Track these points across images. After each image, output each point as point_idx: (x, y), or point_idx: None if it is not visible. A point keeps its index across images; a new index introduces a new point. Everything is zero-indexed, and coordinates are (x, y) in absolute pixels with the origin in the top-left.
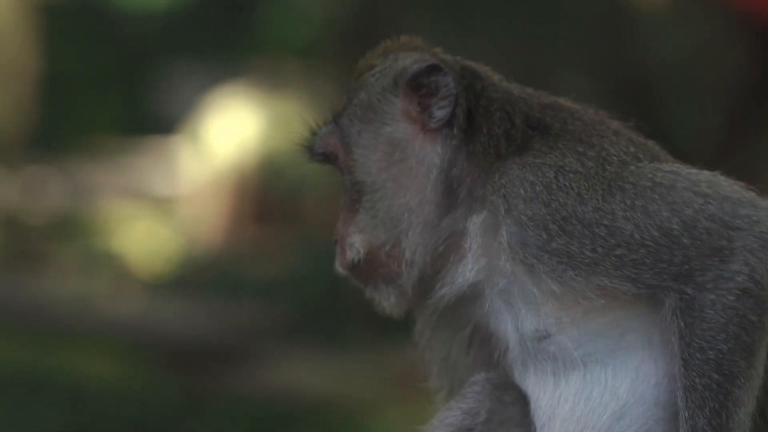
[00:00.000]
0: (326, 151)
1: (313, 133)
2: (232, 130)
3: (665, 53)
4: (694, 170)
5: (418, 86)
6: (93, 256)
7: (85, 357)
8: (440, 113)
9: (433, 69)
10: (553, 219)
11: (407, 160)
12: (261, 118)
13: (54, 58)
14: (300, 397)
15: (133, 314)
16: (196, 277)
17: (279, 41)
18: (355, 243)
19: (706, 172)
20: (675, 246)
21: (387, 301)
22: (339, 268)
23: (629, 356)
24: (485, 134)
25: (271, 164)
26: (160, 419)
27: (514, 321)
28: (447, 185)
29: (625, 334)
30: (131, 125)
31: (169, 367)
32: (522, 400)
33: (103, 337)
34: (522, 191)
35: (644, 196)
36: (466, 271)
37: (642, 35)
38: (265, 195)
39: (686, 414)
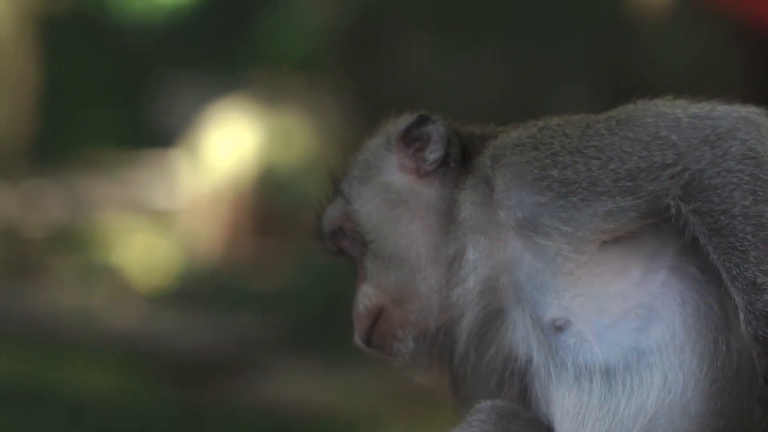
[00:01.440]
0: (334, 227)
1: (319, 217)
2: (231, 144)
3: (666, 63)
4: None
5: (411, 140)
6: (92, 268)
7: (84, 369)
8: (433, 156)
9: (422, 120)
10: (544, 156)
11: (406, 202)
12: (260, 132)
13: (53, 70)
14: (300, 410)
15: (132, 327)
16: (196, 289)
17: (278, 54)
18: (367, 292)
19: None
20: (665, 145)
21: (410, 358)
22: (357, 340)
23: (653, 357)
24: (474, 164)
25: (271, 177)
26: (159, 431)
27: (531, 314)
28: (448, 219)
29: (647, 326)
30: (130, 138)
31: (168, 379)
32: (529, 428)
33: (102, 350)
34: (506, 146)
35: (627, 117)
36: (471, 257)
37: (642, 46)
38: (264, 208)
39: (735, 272)
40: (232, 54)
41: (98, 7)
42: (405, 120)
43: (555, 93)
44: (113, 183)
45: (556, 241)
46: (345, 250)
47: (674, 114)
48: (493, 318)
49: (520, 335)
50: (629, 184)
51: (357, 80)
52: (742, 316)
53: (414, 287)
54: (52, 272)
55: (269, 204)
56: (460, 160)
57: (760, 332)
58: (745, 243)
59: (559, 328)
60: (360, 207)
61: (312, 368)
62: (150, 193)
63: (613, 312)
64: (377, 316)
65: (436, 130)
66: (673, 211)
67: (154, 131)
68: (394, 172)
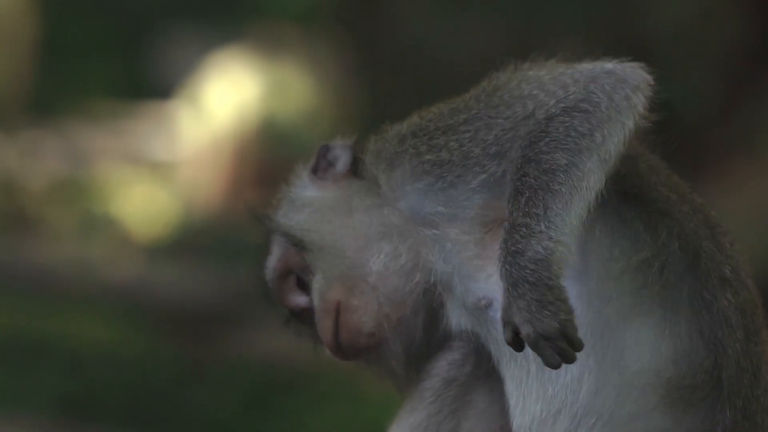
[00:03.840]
0: (279, 273)
1: (262, 278)
2: (230, 95)
3: (663, 18)
4: None
5: (322, 169)
6: (91, 220)
7: (82, 320)
8: (341, 163)
9: (326, 150)
10: (421, 142)
11: (327, 203)
12: (260, 83)
13: (51, 22)
14: (299, 361)
15: (131, 278)
16: (195, 241)
17: (278, 6)
18: (322, 288)
19: None
20: (527, 99)
21: (389, 351)
22: (331, 354)
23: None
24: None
25: (270, 128)
26: (158, 383)
27: (461, 301)
28: (363, 203)
29: None
30: (129, 89)
31: (167, 330)
32: (464, 390)
33: (100, 301)
34: (387, 139)
35: (494, 85)
36: (377, 258)
37: (640, 1)
38: (264, 159)
39: (510, 214)
40: (231, 5)
41: None
42: (310, 161)
43: (554, 48)
44: (112, 134)
45: (444, 229)
46: (298, 309)
47: (538, 74)
48: (435, 314)
49: (458, 322)
50: (496, 148)
51: (356, 32)
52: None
53: (359, 273)
54: (51, 224)
55: (269, 155)
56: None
57: (504, 268)
58: (524, 185)
59: (484, 307)
60: (291, 224)
61: None
62: (149, 145)
63: None
64: (337, 311)
65: (340, 148)
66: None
67: (154, 82)
68: (315, 191)
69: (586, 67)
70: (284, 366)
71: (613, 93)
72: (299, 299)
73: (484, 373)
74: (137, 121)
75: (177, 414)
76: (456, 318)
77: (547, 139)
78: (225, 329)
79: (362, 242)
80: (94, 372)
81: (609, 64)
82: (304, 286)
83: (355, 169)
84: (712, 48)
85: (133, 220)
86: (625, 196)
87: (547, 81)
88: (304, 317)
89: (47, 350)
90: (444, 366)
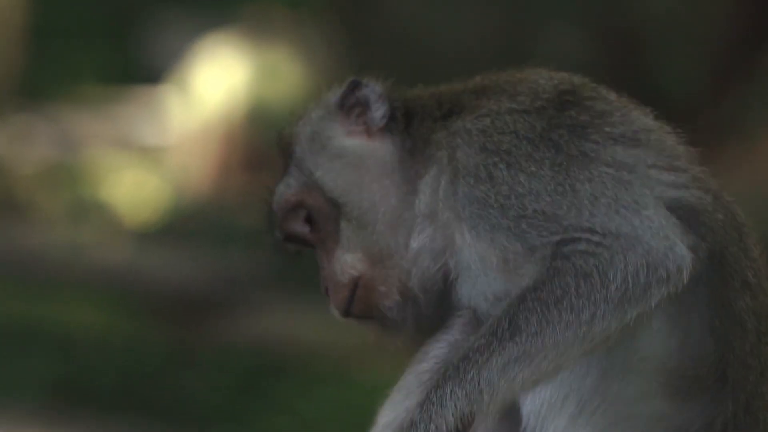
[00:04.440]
0: (290, 205)
1: (270, 200)
2: (220, 79)
3: (653, 4)
4: (619, 149)
5: (351, 107)
6: (81, 205)
7: (73, 306)
8: (378, 114)
9: (356, 86)
10: (485, 164)
11: (365, 163)
12: (249, 67)
13: (41, 6)
14: (290, 346)
15: (122, 263)
16: (185, 226)
17: None
18: (348, 260)
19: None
20: (576, 207)
21: (397, 314)
22: (336, 313)
23: None
24: (420, 116)
25: (260, 113)
26: (148, 368)
27: (474, 284)
28: (404, 174)
29: None
30: (119, 74)
31: (157, 316)
32: None
33: (91, 286)
34: (461, 140)
35: (581, 152)
36: (419, 237)
37: None
38: (254, 144)
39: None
40: None
41: None
42: (339, 89)
43: (545, 34)
44: (102, 119)
45: (480, 242)
46: (296, 236)
47: (606, 193)
48: (448, 291)
49: (468, 302)
50: (525, 227)
51: (346, 17)
52: None
53: (391, 243)
54: (41, 209)
55: (259, 140)
56: (407, 123)
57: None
58: (491, 330)
59: (496, 300)
60: (323, 175)
61: (301, 304)
62: (139, 130)
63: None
64: (356, 285)
65: (372, 91)
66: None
67: (144, 67)
68: (344, 139)
69: (634, 220)
70: (275, 351)
71: (635, 278)
72: (305, 232)
73: None
74: (127, 106)
75: (168, 398)
76: (467, 300)
77: (543, 293)
78: (215, 314)
79: (399, 218)
80: (86, 357)
81: (655, 241)
82: (312, 222)
83: (390, 125)
84: (701, 32)
85: (123, 205)
86: None
87: (603, 201)
88: (299, 244)
89: (38, 335)
90: (443, 348)
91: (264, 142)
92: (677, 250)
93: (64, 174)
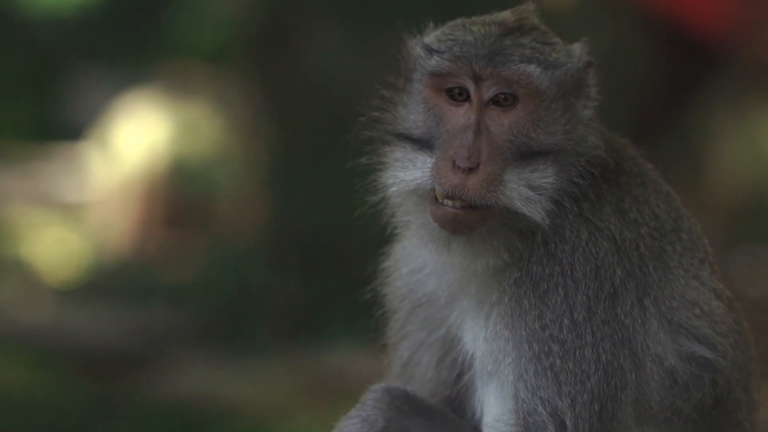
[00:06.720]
0: (512, 84)
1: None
2: (141, 135)
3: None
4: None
5: (580, 80)
6: (1, 262)
7: None
8: (587, 113)
9: (589, 65)
10: (549, 283)
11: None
12: (170, 123)
13: None
14: (211, 403)
15: (43, 321)
16: (106, 283)
17: (188, 46)
18: (512, 192)
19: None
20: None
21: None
22: (454, 191)
23: None
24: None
25: (181, 169)
26: (71, 426)
27: (483, 330)
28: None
29: None
30: (39, 131)
31: (79, 373)
32: (424, 414)
33: (12, 344)
34: (558, 248)
35: (617, 332)
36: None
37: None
38: (175, 200)
39: None
40: (141, 46)
41: (7, 0)
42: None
43: None
44: (23, 176)
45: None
46: (498, 96)
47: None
48: (450, 303)
49: (470, 335)
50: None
51: (265, 72)
52: None
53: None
54: None
55: (179, 196)
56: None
57: None
58: None
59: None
60: (552, 116)
61: (222, 361)
62: (60, 186)
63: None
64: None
65: (593, 90)
66: None
67: (64, 124)
68: (578, 108)
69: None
70: (196, 407)
71: None
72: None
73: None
74: (47, 162)
75: None
76: (463, 323)
77: None
78: (137, 370)
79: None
80: (5, 414)
81: None
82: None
83: None
84: (623, 82)
85: (44, 262)
86: None
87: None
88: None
89: None
90: (357, 424)
91: (185, 198)
92: None
93: None
